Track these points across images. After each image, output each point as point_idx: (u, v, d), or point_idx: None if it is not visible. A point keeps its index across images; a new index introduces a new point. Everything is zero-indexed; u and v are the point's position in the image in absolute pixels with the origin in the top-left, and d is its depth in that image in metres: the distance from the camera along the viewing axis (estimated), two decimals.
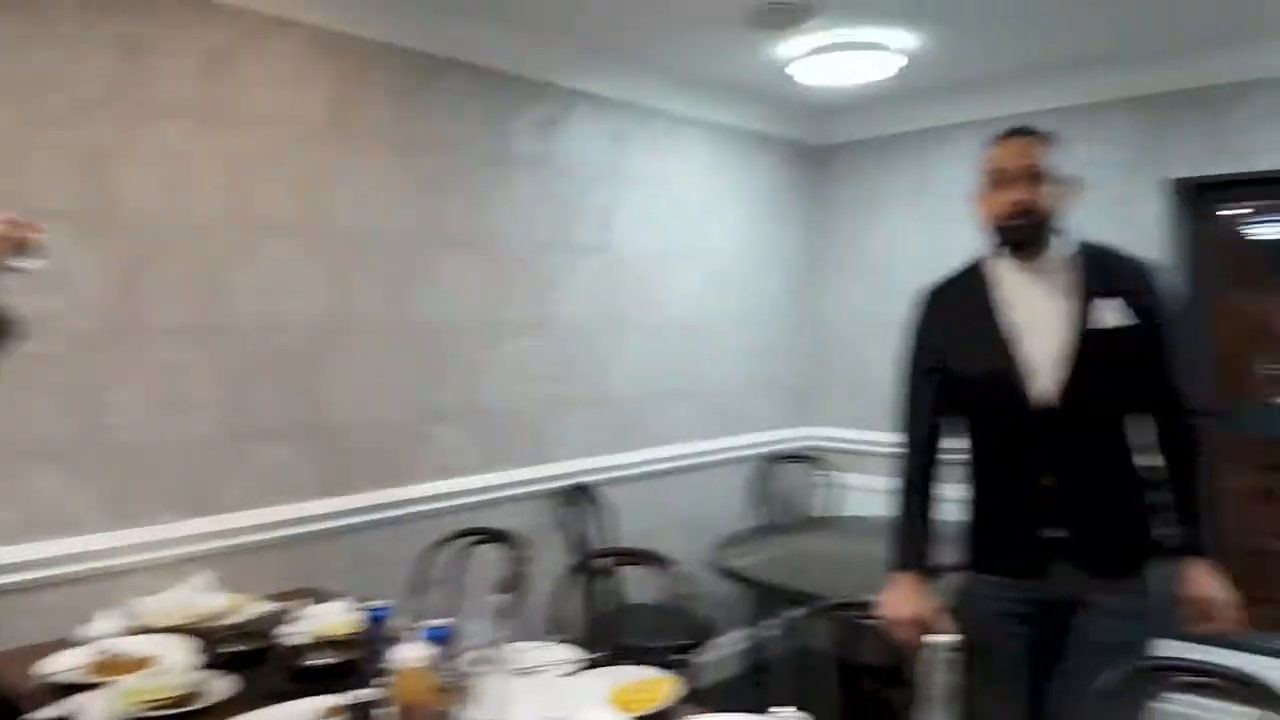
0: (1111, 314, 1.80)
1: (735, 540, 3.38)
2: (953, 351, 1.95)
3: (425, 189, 2.87)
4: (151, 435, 2.31)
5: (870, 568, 3.09)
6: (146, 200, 2.30)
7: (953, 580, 2.00)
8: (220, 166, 2.43)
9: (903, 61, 3.19)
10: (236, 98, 2.45)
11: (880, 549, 3.23)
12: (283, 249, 2.55)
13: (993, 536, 1.93)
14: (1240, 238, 3.48)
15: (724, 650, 3.92)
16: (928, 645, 1.03)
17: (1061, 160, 1.86)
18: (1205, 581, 1.82)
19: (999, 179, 1.86)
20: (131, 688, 1.68)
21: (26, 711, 1.60)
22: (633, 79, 3.46)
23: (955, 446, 2.02)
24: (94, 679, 1.75)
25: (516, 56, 3.07)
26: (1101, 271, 1.85)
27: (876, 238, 4.21)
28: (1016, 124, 1.92)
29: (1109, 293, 1.82)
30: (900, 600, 1.92)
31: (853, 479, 4.13)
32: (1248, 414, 3.33)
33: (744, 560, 3.05)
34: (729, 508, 3.99)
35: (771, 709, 1.48)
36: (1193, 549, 1.84)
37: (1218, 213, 3.46)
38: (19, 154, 2.10)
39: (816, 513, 4.13)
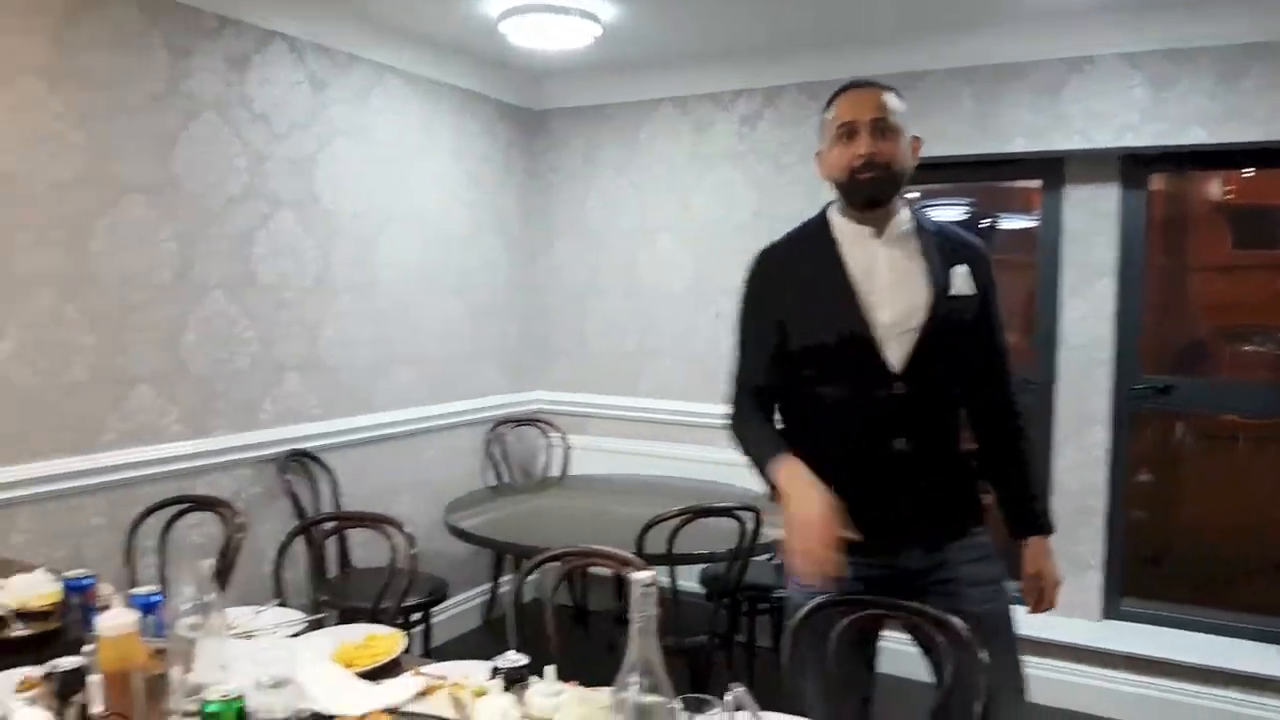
0: (961, 281, 1.84)
1: (466, 502, 3.55)
2: (795, 316, 1.86)
3: (90, 129, 2.69)
4: None
5: (598, 522, 3.43)
6: None
7: None
8: None
9: (598, 30, 3.40)
10: None
11: (607, 503, 3.60)
12: None
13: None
14: None
15: (460, 608, 4.12)
16: (634, 581, 1.21)
17: (906, 115, 1.86)
18: (1045, 560, 1.95)
19: (847, 131, 1.81)
20: None
21: None
22: (330, 21, 3.38)
23: (784, 418, 1.97)
24: None
25: None
26: (945, 240, 1.88)
27: (592, 205, 4.47)
28: (859, 78, 1.88)
29: (958, 261, 1.85)
30: (805, 498, 1.69)
31: (578, 440, 4.44)
32: None
33: (475, 520, 3.24)
34: (459, 471, 4.15)
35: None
36: (1038, 527, 1.96)
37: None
38: None
39: (546, 473, 4.42)
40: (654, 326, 4.34)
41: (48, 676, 1.52)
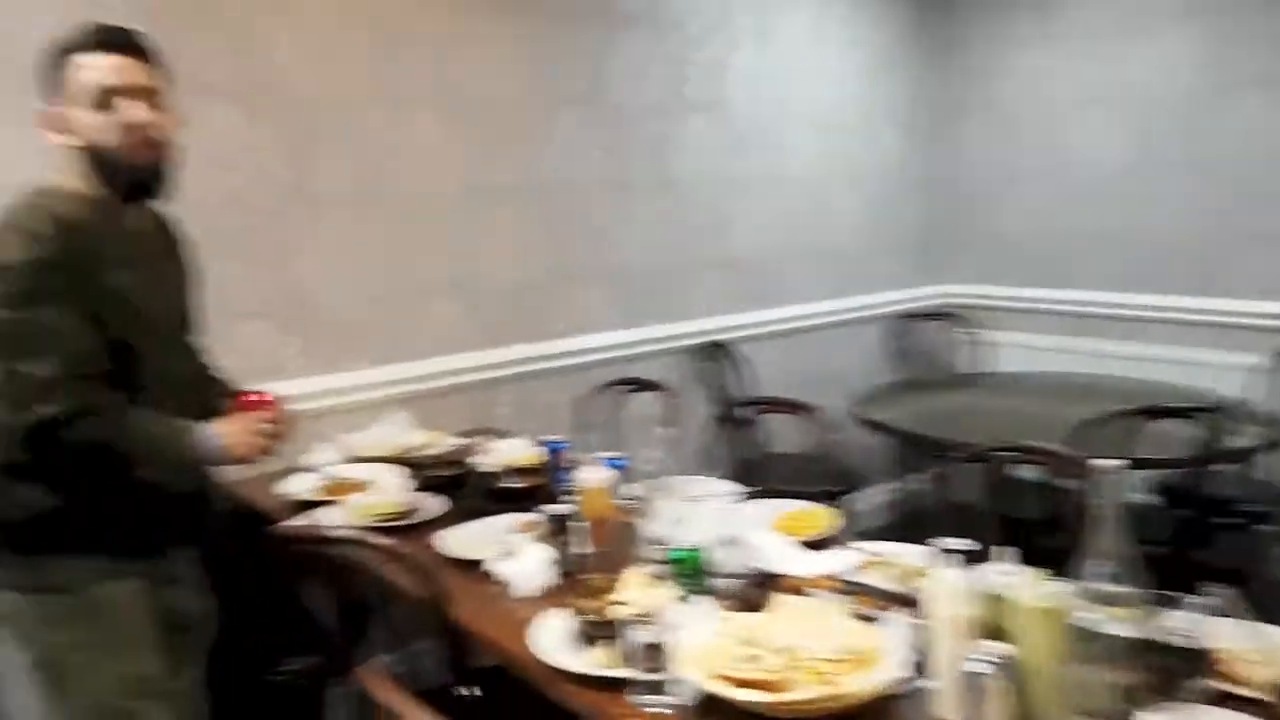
0: None
1: (872, 396, 3.56)
2: None
3: (532, 50, 3.02)
4: (335, 294, 2.66)
5: (1019, 421, 3.26)
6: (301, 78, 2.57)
7: None
8: (360, 38, 2.66)
9: None
10: None
11: (1028, 402, 3.40)
12: (421, 120, 2.80)
13: None
14: None
15: (869, 500, 4.20)
16: (1099, 469, 1.16)
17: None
18: None
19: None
20: (360, 504, 2.08)
21: (275, 523, 2.01)
22: None
23: None
24: (324, 497, 2.17)
25: None
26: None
27: (1005, 83, 4.14)
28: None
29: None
30: None
31: (992, 336, 4.24)
32: None
33: (888, 413, 3.24)
34: (862, 365, 4.18)
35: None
36: None
37: None
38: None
39: (953, 370, 4.28)
40: (1087, 209, 3.95)
41: (547, 518, 1.82)
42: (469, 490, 2.22)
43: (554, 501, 2.12)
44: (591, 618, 1.48)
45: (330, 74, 2.61)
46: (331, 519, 2.01)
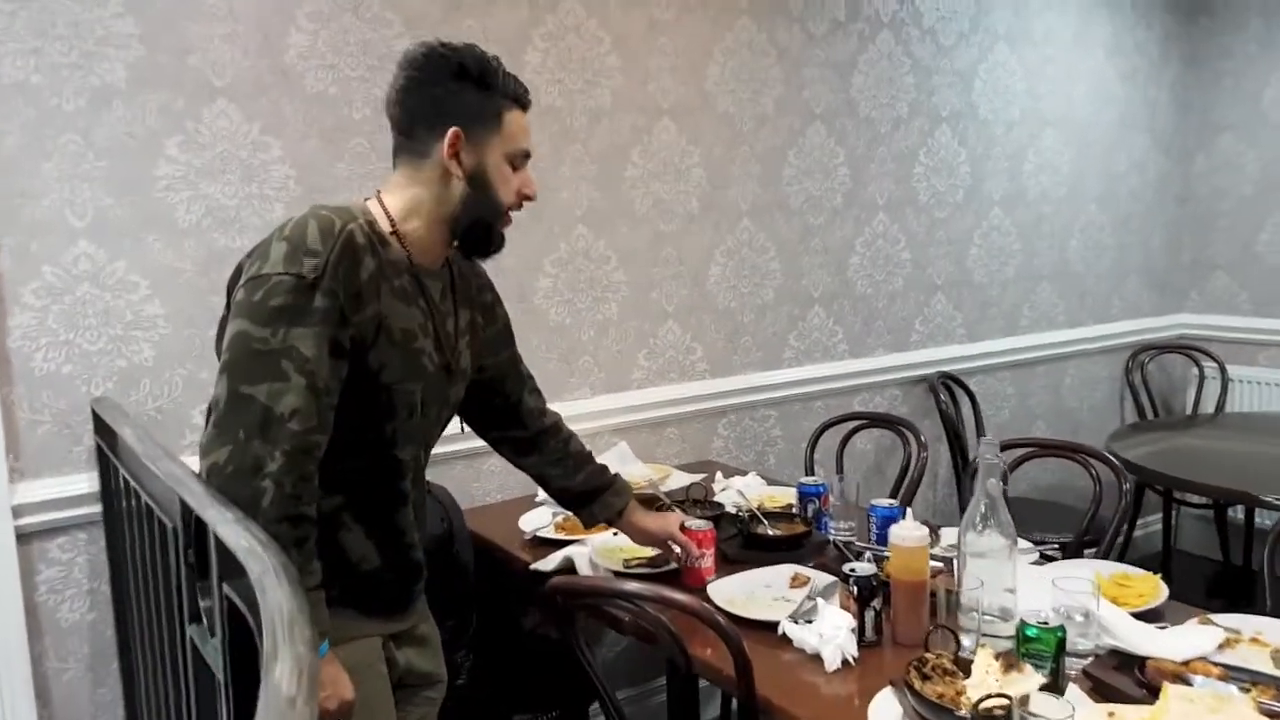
0: None
1: (1118, 435, 3.23)
2: None
3: (784, 62, 2.84)
4: (567, 317, 2.52)
5: (1263, 467, 2.86)
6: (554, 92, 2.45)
7: None
8: (614, 47, 2.54)
9: None
10: None
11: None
12: (662, 131, 2.64)
13: None
14: None
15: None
16: None
17: None
18: None
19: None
20: (610, 545, 1.92)
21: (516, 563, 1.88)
22: None
23: None
24: (562, 536, 2.03)
25: None
26: None
27: (1272, 94, 3.76)
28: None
29: None
30: None
31: (1241, 372, 3.85)
32: None
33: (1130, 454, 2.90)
34: (1095, 401, 3.87)
35: None
36: None
37: None
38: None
39: (1197, 409, 3.89)
40: None
41: (845, 580, 1.59)
42: (720, 536, 2.02)
43: (816, 552, 1.94)
44: (945, 704, 1.25)
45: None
46: (582, 562, 1.85)
